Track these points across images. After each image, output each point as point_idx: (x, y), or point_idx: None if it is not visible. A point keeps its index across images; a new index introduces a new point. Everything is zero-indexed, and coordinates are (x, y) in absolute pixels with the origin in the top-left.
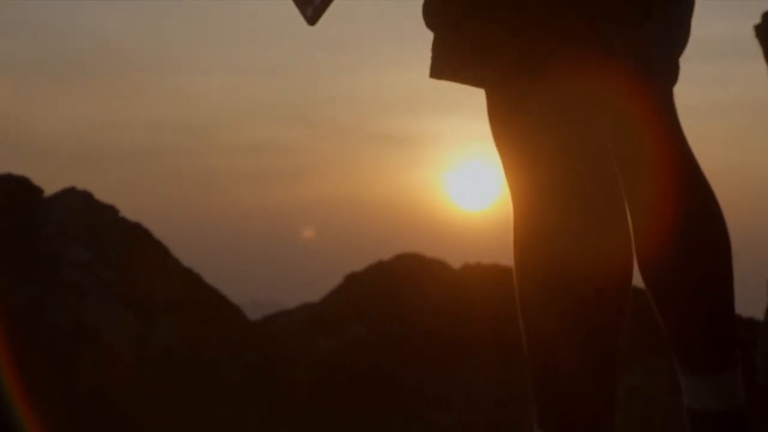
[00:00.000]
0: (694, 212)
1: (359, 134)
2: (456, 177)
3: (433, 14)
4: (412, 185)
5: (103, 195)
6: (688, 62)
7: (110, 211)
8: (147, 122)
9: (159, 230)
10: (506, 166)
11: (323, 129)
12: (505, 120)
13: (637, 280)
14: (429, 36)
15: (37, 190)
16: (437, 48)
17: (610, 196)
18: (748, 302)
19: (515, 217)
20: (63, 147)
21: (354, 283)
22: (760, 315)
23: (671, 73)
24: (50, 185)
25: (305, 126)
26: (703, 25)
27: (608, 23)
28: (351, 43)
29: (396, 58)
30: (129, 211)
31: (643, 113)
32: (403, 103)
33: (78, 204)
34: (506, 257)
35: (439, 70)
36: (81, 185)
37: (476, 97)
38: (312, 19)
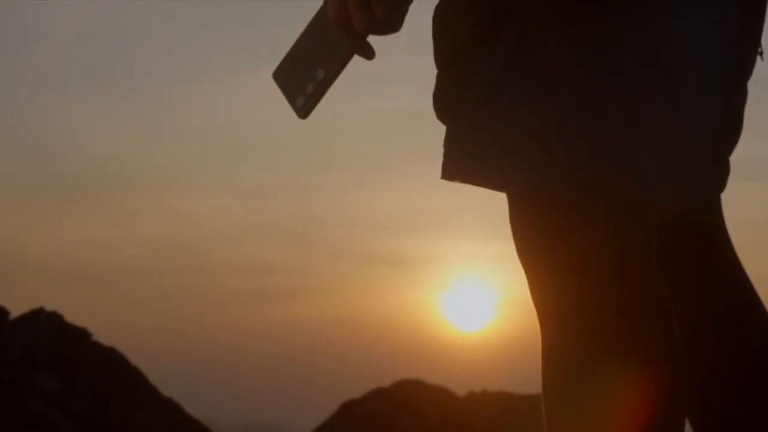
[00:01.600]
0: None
1: (355, 254)
2: (451, 298)
3: (445, 104)
4: (408, 306)
5: (81, 317)
6: None
7: (82, 334)
8: (138, 242)
9: (140, 356)
10: (534, 284)
11: (319, 249)
12: (535, 230)
13: None
14: (425, 154)
15: (2, 311)
16: (450, 144)
17: (661, 331)
18: None
19: (544, 345)
20: (49, 267)
21: (351, 411)
22: None
23: (724, 180)
24: (24, 305)
25: (301, 246)
26: None
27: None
28: (347, 164)
29: (392, 179)
30: (113, 333)
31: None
32: (399, 223)
33: (47, 327)
34: (511, 383)
35: (452, 171)
36: (61, 306)
37: (469, 215)
38: (303, 111)
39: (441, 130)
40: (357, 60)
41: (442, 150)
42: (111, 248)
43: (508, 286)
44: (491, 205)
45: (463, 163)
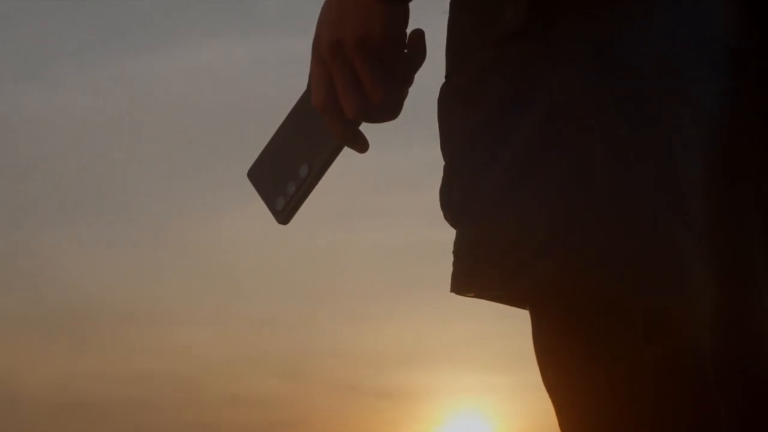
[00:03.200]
0: None
1: (352, 387)
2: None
3: (454, 200)
4: None
5: None
6: None
7: None
8: (135, 374)
9: None
10: (564, 416)
11: (316, 382)
12: (566, 352)
13: None
14: (423, 288)
15: None
16: (461, 250)
17: None
18: None
19: None
20: (45, 399)
21: None
22: None
23: None
24: None
25: (297, 379)
26: None
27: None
28: (344, 296)
29: (390, 312)
30: None
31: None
32: (396, 356)
33: None
34: None
35: (463, 283)
36: None
37: (467, 347)
38: (284, 215)
39: (439, 263)
40: (357, 191)
41: (442, 278)
42: (108, 380)
43: (505, 419)
44: (488, 338)
45: (475, 272)
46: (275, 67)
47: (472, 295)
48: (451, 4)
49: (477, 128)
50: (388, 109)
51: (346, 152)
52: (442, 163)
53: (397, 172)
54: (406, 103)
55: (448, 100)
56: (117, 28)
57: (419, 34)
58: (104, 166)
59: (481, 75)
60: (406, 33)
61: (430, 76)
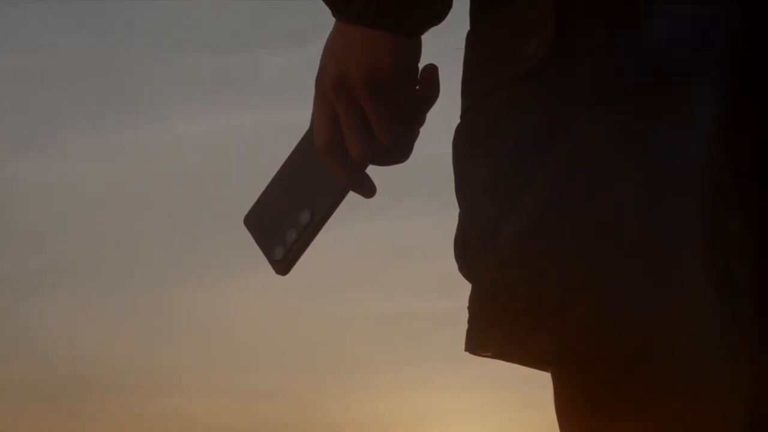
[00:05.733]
0: None
1: None
2: None
3: (470, 252)
4: None
5: None
6: None
7: None
8: None
9: None
10: None
11: None
12: (585, 410)
13: None
14: (429, 359)
15: None
16: (477, 306)
17: None
18: None
19: None
20: None
21: None
22: None
23: None
24: None
25: None
26: None
27: None
28: (348, 367)
29: (396, 382)
30: None
31: None
32: (403, 427)
33: None
34: None
35: (479, 342)
36: None
37: (470, 418)
38: (283, 265)
39: (444, 332)
40: (361, 259)
41: (447, 347)
42: None
43: None
44: (496, 408)
45: (492, 330)
46: (275, 136)
47: (488, 354)
48: (468, 39)
49: (494, 174)
50: (398, 150)
51: (347, 218)
52: (446, 230)
53: (402, 239)
54: (402, 172)
55: (464, 142)
56: (118, 98)
57: (432, 70)
58: (107, 234)
59: (497, 116)
60: (418, 68)
61: (439, 127)
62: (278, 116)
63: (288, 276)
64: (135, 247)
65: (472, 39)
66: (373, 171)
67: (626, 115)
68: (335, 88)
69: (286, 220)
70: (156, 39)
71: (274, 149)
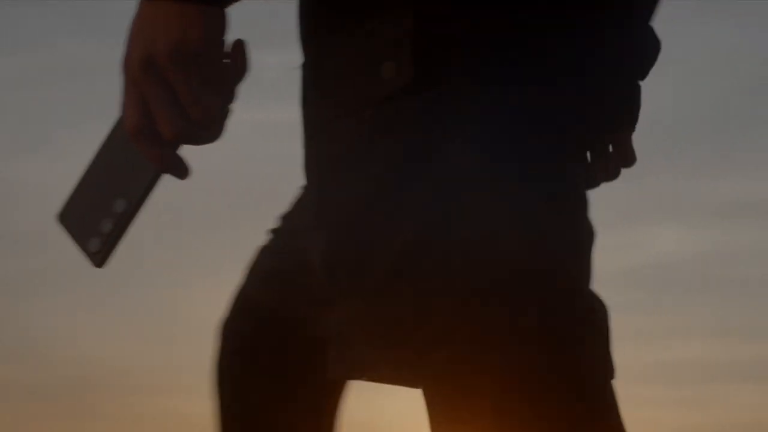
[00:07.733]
0: None
1: None
2: None
3: (339, 281)
4: None
5: None
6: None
7: None
8: None
9: None
10: None
11: None
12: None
13: None
14: None
15: None
16: (348, 331)
17: None
18: None
19: None
20: None
21: None
22: None
23: None
24: None
25: None
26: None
27: None
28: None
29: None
30: None
31: None
32: (403, 425)
33: None
34: None
35: (351, 368)
36: None
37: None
38: (99, 257)
39: None
40: None
41: None
42: None
43: None
44: None
45: (372, 353)
46: (275, 136)
47: (364, 378)
48: (310, 58)
49: (365, 198)
50: (210, 128)
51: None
52: None
53: None
54: None
55: (323, 164)
56: (117, 98)
57: (241, 44)
58: None
59: (361, 138)
60: (224, 42)
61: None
62: (278, 116)
63: None
64: (135, 247)
65: (315, 57)
66: None
67: (493, 135)
68: (143, 65)
69: (100, 211)
70: None
71: (275, 149)
